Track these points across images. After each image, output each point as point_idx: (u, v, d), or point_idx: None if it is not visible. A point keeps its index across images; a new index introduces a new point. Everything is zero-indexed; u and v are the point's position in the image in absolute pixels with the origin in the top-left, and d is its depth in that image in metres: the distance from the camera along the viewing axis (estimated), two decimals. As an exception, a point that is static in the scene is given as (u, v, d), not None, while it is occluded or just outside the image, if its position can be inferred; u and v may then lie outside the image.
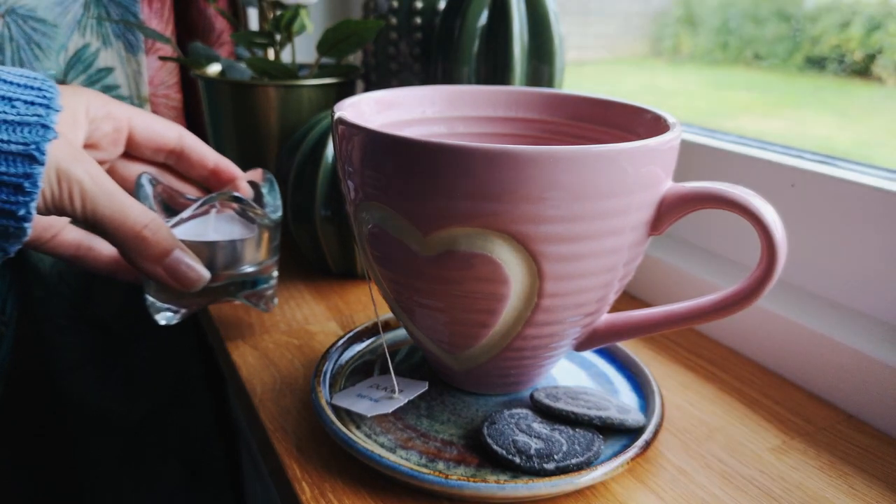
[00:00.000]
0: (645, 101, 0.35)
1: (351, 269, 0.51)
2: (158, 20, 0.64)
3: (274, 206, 0.42)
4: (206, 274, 0.36)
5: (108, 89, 0.63)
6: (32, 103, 0.29)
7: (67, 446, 0.72)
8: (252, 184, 0.43)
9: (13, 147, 0.28)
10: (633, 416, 0.32)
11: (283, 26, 0.52)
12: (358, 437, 0.31)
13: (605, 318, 0.34)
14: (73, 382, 0.69)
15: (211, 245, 0.39)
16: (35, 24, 0.58)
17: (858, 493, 0.31)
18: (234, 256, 0.40)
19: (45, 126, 0.28)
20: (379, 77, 0.58)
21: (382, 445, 0.31)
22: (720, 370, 0.41)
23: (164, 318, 0.40)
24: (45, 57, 0.59)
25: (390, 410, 0.31)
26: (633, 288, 0.50)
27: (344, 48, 0.51)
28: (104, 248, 0.40)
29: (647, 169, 0.28)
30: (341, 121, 0.30)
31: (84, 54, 0.61)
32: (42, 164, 0.28)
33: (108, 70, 0.62)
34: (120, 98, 0.63)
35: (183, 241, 0.36)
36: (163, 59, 0.57)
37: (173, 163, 0.42)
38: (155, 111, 0.66)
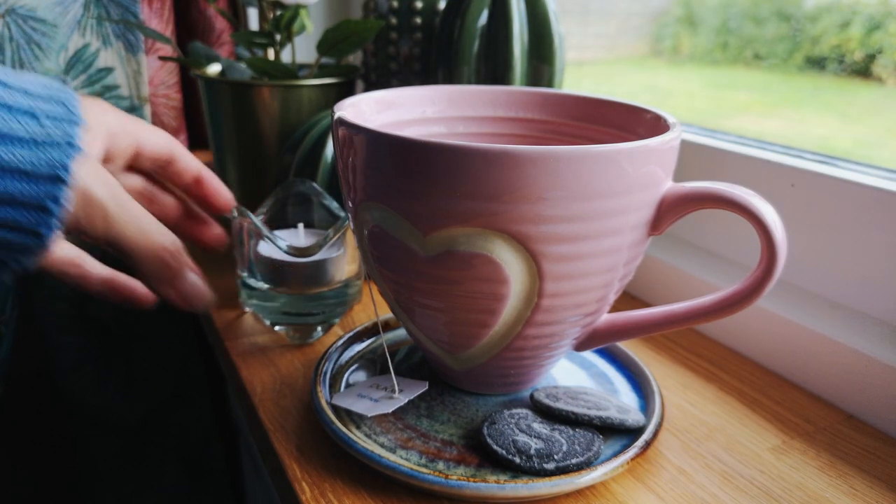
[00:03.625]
0: (645, 101, 0.35)
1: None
2: (158, 20, 0.64)
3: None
4: (210, 296, 0.35)
5: (108, 89, 0.63)
6: (57, 118, 0.28)
7: (67, 446, 0.72)
8: (305, 196, 0.45)
9: (40, 169, 0.27)
10: (633, 416, 0.32)
11: (283, 26, 0.52)
12: (358, 437, 0.31)
13: (605, 318, 0.34)
14: (73, 382, 0.69)
15: (327, 261, 0.42)
16: (35, 24, 0.58)
17: (858, 493, 0.31)
18: (337, 268, 0.43)
19: (71, 144, 0.27)
20: (379, 77, 0.58)
21: (382, 445, 0.31)
22: (720, 370, 0.41)
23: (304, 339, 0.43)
24: (45, 57, 0.59)
25: (390, 410, 0.31)
26: (633, 288, 0.50)
27: (344, 48, 0.51)
28: (95, 266, 0.38)
29: (647, 169, 0.28)
30: (341, 121, 0.30)
31: (84, 54, 0.61)
32: (67, 184, 0.27)
33: (108, 70, 0.62)
34: (120, 98, 0.63)
35: (314, 263, 0.41)
36: (163, 59, 0.57)
37: (158, 170, 0.41)
38: (155, 111, 0.67)
